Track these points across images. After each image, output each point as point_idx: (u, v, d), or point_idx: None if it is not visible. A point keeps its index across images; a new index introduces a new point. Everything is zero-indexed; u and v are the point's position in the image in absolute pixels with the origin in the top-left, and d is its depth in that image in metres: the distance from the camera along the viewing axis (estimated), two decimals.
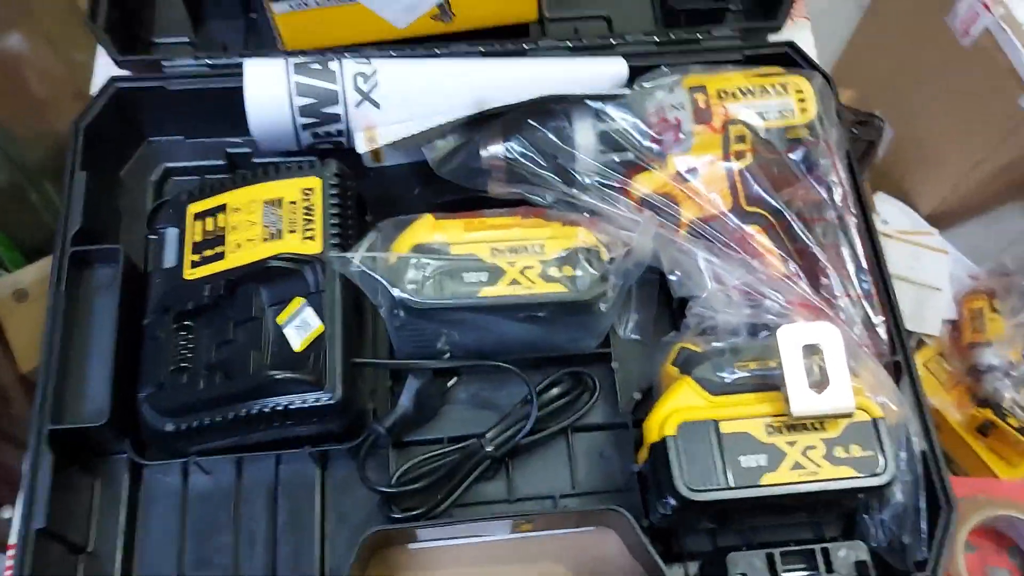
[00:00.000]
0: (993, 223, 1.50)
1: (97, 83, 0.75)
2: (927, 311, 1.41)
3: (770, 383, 0.54)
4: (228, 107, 0.66)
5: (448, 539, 0.61)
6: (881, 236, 1.51)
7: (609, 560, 0.62)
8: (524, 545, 0.62)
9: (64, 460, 0.57)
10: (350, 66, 0.64)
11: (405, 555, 0.62)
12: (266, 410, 0.55)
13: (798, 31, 0.80)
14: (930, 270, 1.46)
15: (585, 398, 0.64)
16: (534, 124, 0.65)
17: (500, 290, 0.58)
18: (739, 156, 0.63)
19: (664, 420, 0.54)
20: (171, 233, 0.63)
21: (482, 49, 0.69)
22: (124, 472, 0.61)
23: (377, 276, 0.57)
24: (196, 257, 0.61)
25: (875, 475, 0.52)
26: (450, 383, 0.64)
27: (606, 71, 0.67)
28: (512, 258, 0.59)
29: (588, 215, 0.62)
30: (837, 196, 0.62)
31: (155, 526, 0.60)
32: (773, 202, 0.61)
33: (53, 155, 1.33)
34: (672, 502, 0.53)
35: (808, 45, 0.80)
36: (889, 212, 1.52)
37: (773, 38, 0.74)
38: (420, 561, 0.61)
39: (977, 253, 1.48)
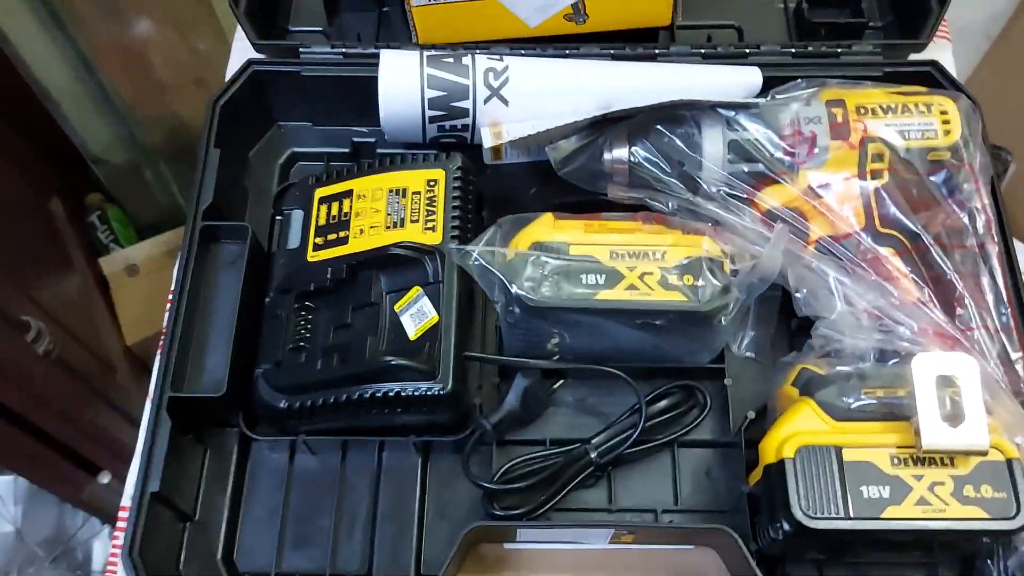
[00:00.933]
0: None
1: (233, 66, 0.77)
2: None
3: (898, 413, 0.52)
4: (358, 96, 0.67)
5: (546, 542, 0.60)
6: None
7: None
8: (621, 556, 0.61)
9: (180, 428, 0.59)
10: (482, 62, 0.64)
11: (500, 553, 0.61)
12: (378, 395, 0.56)
13: (939, 51, 0.76)
14: None
15: (695, 413, 0.62)
16: (662, 129, 0.64)
17: (617, 294, 0.57)
18: (876, 175, 0.61)
19: (783, 442, 0.52)
20: (296, 215, 0.65)
21: (612, 52, 0.69)
22: (234, 445, 0.62)
23: (495, 271, 0.57)
24: (320, 240, 0.62)
25: (1006, 519, 0.49)
26: (557, 384, 0.64)
27: (740, 79, 0.65)
28: (632, 263, 0.58)
29: (713, 224, 0.60)
30: (979, 223, 0.59)
31: (259, 501, 0.62)
32: (910, 225, 0.59)
33: (171, 137, 1.39)
34: (786, 527, 0.51)
35: (949, 65, 0.76)
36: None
37: (915, 56, 0.71)
38: (515, 561, 0.61)
39: None
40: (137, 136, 1.37)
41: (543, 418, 0.64)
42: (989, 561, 0.54)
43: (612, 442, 0.60)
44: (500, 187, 0.70)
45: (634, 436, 0.59)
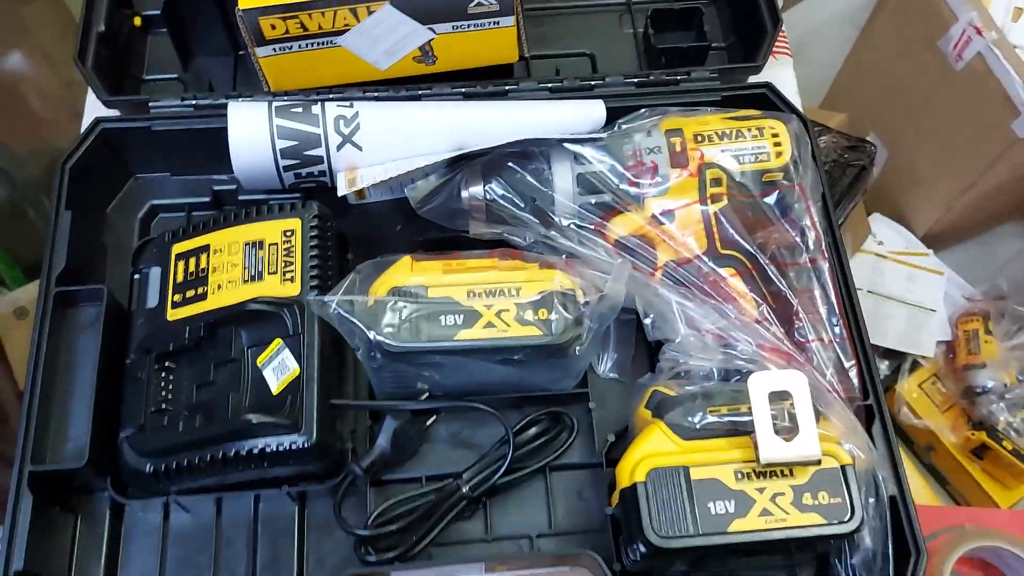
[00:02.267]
0: (988, 244, 1.50)
1: (86, 121, 0.76)
2: (922, 333, 1.42)
3: (741, 429, 0.55)
4: (214, 145, 0.67)
5: None
6: (876, 256, 1.52)
7: None
8: None
9: (45, 500, 0.58)
10: (332, 109, 0.65)
11: None
12: (243, 452, 0.56)
13: (780, 69, 0.81)
14: (925, 291, 1.46)
15: (563, 437, 0.65)
16: (514, 166, 0.66)
17: (476, 333, 0.58)
18: (715, 199, 0.64)
19: (635, 465, 0.54)
20: (154, 272, 0.64)
21: (464, 90, 0.70)
22: (106, 510, 0.61)
23: (354, 319, 0.58)
24: (178, 298, 0.62)
25: (842, 522, 0.53)
26: (429, 422, 0.65)
27: (584, 113, 0.68)
28: (489, 301, 0.59)
29: (566, 257, 0.63)
30: (810, 240, 0.62)
31: (136, 564, 0.61)
32: (747, 245, 0.62)
33: (50, 171, 1.34)
34: (642, 549, 0.53)
35: (789, 82, 0.81)
36: (885, 233, 1.52)
37: (754, 78, 0.75)
38: None
39: (973, 274, 1.48)
40: (14, 172, 1.32)
41: (419, 455, 0.65)
42: (837, 560, 0.58)
43: (483, 474, 0.61)
44: (366, 226, 0.71)
45: (503, 467, 0.61)
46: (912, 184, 1.48)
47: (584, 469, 0.65)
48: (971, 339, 1.37)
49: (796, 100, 0.81)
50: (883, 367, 1.44)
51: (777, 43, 0.77)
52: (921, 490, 1.29)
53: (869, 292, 1.47)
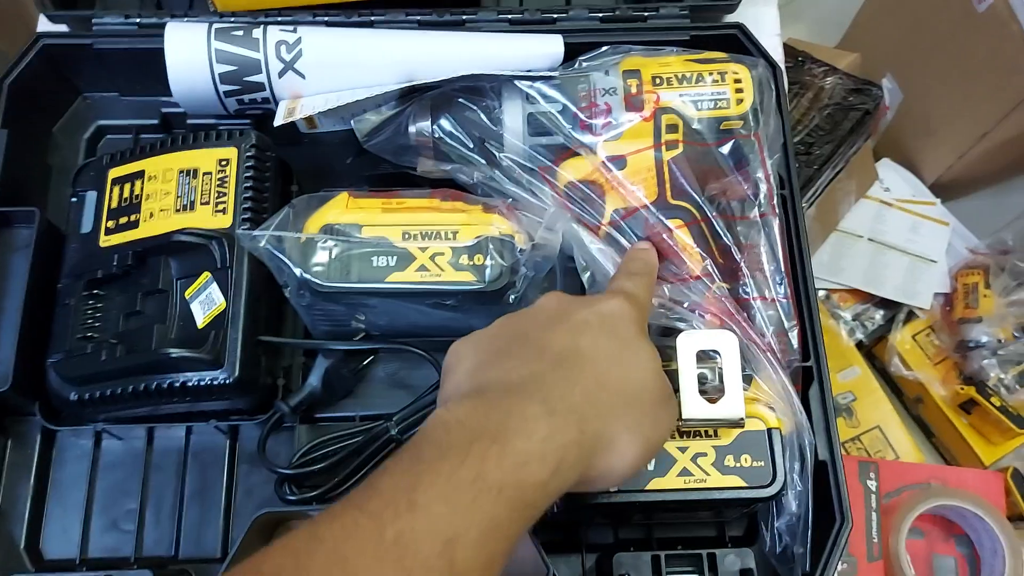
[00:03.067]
0: (998, 197, 1.46)
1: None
2: (920, 284, 1.39)
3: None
4: (161, 67, 0.65)
5: None
6: (880, 204, 1.48)
7: None
8: None
9: None
10: (273, 33, 0.62)
11: None
12: (164, 386, 0.56)
13: (762, 7, 0.77)
14: (928, 242, 1.43)
15: None
16: (464, 102, 0.63)
17: (408, 276, 0.57)
18: (669, 146, 0.61)
19: None
20: (90, 197, 0.63)
21: (419, 19, 0.67)
22: (36, 433, 0.61)
23: (282, 256, 0.56)
24: (112, 224, 0.61)
25: (763, 487, 0.52)
26: (365, 361, 0.64)
27: (542, 49, 0.64)
28: (424, 243, 0.58)
29: (510, 201, 0.61)
30: (762, 194, 0.60)
31: (65, 488, 0.61)
32: (697, 197, 0.60)
33: None
34: (559, 502, 0.52)
35: (770, 23, 0.77)
36: (892, 180, 1.48)
37: (731, 17, 0.71)
38: None
39: (980, 226, 1.45)
40: None
41: (355, 395, 0.64)
42: (763, 522, 0.57)
43: (414, 417, 0.61)
44: (315, 158, 0.69)
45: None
46: (925, 130, 1.44)
47: None
48: (970, 293, 1.35)
49: (776, 42, 0.77)
50: (878, 316, 1.42)
51: None
52: (906, 442, 1.29)
53: (870, 240, 1.44)
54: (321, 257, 0.57)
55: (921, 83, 1.42)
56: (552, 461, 0.41)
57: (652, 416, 0.47)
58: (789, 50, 1.32)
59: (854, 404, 1.34)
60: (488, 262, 0.57)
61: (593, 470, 0.44)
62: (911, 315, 1.39)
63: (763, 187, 0.60)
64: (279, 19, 0.65)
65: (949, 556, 1.04)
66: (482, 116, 0.63)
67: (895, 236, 1.44)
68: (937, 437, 1.36)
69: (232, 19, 0.64)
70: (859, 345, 1.39)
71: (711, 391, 0.52)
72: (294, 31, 0.63)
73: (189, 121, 0.69)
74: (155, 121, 0.70)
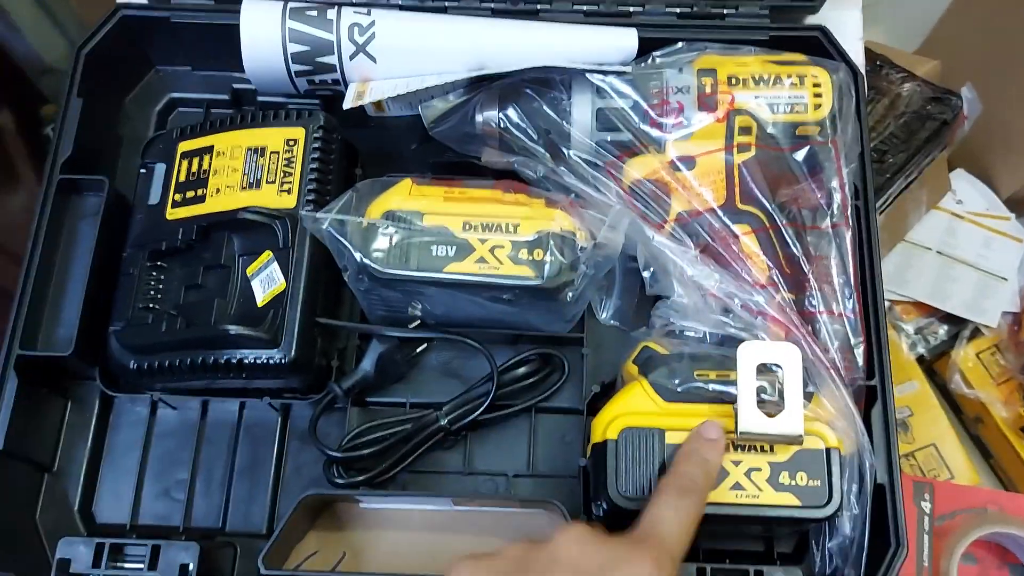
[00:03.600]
0: None
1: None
2: (988, 301, 1.35)
3: (726, 398, 0.52)
4: (235, 43, 0.65)
5: (392, 505, 0.61)
6: (952, 216, 1.44)
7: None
8: (470, 517, 0.62)
9: (31, 384, 0.59)
10: (347, 16, 0.62)
11: (357, 511, 0.62)
12: (221, 361, 0.56)
13: (845, 10, 0.74)
14: (1000, 258, 1.38)
15: (553, 380, 0.63)
16: (532, 94, 0.62)
17: (465, 267, 0.56)
18: (741, 149, 0.60)
19: (610, 421, 0.52)
20: (159, 169, 0.63)
21: (492, 7, 0.66)
22: (95, 398, 0.63)
23: (343, 239, 0.56)
24: (178, 197, 0.62)
25: (818, 507, 0.50)
26: (419, 349, 0.64)
27: (615, 43, 0.63)
28: (484, 235, 0.57)
29: (573, 196, 0.60)
30: (836, 203, 0.58)
31: (119, 454, 0.63)
32: (767, 203, 0.58)
33: None
34: (604, 506, 0.52)
35: (852, 26, 0.74)
36: (966, 192, 1.43)
37: (812, 19, 0.69)
38: (367, 520, 0.62)
39: None
40: (76, 36, 1.32)
41: (407, 381, 0.64)
42: (814, 541, 0.55)
43: (463, 409, 0.60)
44: (381, 141, 0.69)
45: (485, 403, 0.60)
46: (1003, 143, 1.38)
47: (571, 415, 0.63)
48: None
49: (858, 47, 0.74)
50: (942, 332, 1.38)
51: None
52: (963, 462, 1.25)
53: (938, 253, 1.39)
54: (381, 243, 0.57)
55: (1003, 95, 1.37)
56: None
57: None
58: (867, 54, 1.28)
59: (910, 419, 1.30)
60: (547, 258, 0.56)
61: None
62: (976, 332, 1.34)
63: (837, 196, 0.58)
64: (353, 1, 0.64)
65: None
66: (550, 108, 0.62)
67: (965, 250, 1.39)
68: (995, 459, 1.32)
69: (303, 0, 0.64)
70: (920, 360, 1.35)
71: (769, 405, 0.50)
72: (368, 14, 0.63)
73: (259, 98, 0.69)
74: (226, 96, 0.71)
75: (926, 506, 0.99)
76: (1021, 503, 1.06)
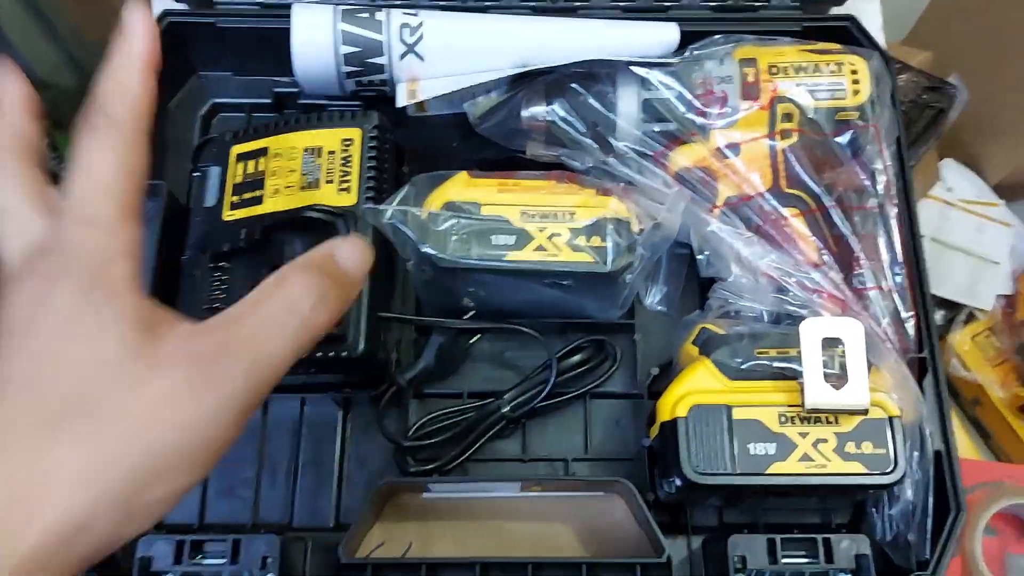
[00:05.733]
0: None
1: (156, 12, 0.75)
2: (982, 285, 1.38)
3: (789, 373, 0.54)
4: (277, 47, 0.66)
5: (457, 494, 0.63)
6: (943, 204, 1.47)
7: (616, 525, 0.63)
8: (535, 504, 0.64)
9: None
10: (397, 17, 0.64)
11: (419, 502, 0.64)
12: None
13: (864, 2, 0.77)
14: (991, 243, 1.41)
15: (606, 366, 0.65)
16: (577, 88, 0.64)
17: (526, 255, 0.58)
18: (785, 135, 0.62)
19: (678, 400, 0.54)
20: (214, 172, 0.64)
21: (532, 5, 0.68)
22: None
23: (407, 231, 0.57)
24: (236, 199, 0.62)
25: (884, 473, 0.52)
26: (473, 340, 0.65)
27: (658, 36, 0.65)
28: (541, 223, 0.59)
29: (623, 185, 0.61)
30: (880, 184, 0.60)
31: None
32: (813, 186, 0.60)
33: None
34: (678, 482, 0.53)
35: (874, 16, 0.77)
36: (955, 180, 1.47)
37: (836, 10, 0.71)
38: (434, 510, 0.63)
39: None
40: (84, 60, 1.33)
41: (462, 372, 0.66)
42: (875, 510, 0.57)
43: (524, 396, 0.62)
44: (423, 140, 0.70)
45: (545, 391, 0.61)
46: (991, 131, 1.42)
47: (623, 399, 0.65)
48: None
49: (879, 36, 0.77)
50: (938, 317, 1.41)
51: None
52: (963, 443, 1.28)
53: (933, 240, 1.43)
54: (443, 233, 0.58)
55: (988, 83, 1.40)
56: None
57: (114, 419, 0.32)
58: None
59: None
60: (607, 243, 0.58)
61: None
62: (971, 316, 1.37)
63: (881, 177, 0.60)
64: (400, 2, 0.66)
65: (1023, 555, 1.04)
66: (596, 101, 0.64)
67: (959, 237, 1.43)
68: (994, 439, 1.35)
69: (355, 2, 0.65)
70: None
71: (832, 378, 0.52)
72: (416, 15, 0.64)
73: (300, 101, 0.70)
74: (268, 100, 0.72)
75: None
76: None
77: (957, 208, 1.46)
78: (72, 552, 0.30)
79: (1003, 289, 1.38)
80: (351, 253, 0.40)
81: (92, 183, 0.35)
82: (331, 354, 0.57)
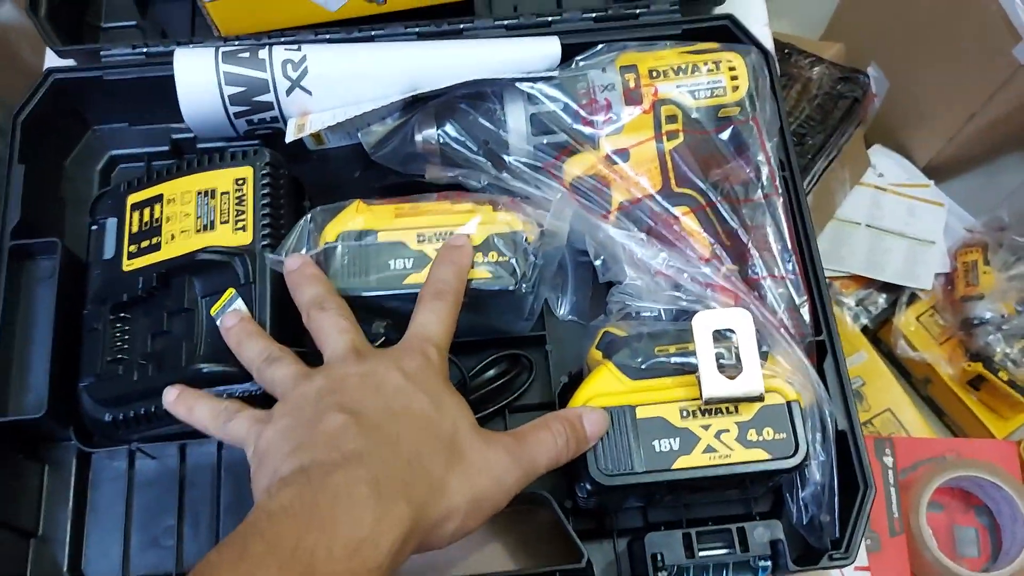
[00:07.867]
0: (990, 175, 1.48)
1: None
2: (920, 266, 1.41)
3: (688, 368, 0.55)
4: (169, 94, 0.66)
5: None
6: (875, 190, 1.51)
7: (544, 536, 0.63)
8: None
9: (9, 450, 0.59)
10: (279, 53, 0.64)
11: None
12: None
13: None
14: (925, 223, 1.45)
15: (522, 379, 0.65)
16: (467, 108, 0.65)
17: (423, 277, 0.58)
18: (671, 136, 0.63)
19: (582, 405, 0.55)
20: (111, 224, 0.64)
21: (418, 31, 0.69)
22: (72, 457, 0.63)
23: None
24: (133, 248, 0.62)
25: (787, 457, 0.53)
26: None
27: (539, 51, 0.66)
28: (438, 244, 0.59)
29: (514, 198, 0.62)
30: (764, 176, 0.61)
31: (103, 510, 0.63)
32: (701, 183, 0.61)
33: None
34: (588, 487, 0.54)
35: (758, 12, 0.79)
36: (885, 165, 1.50)
37: (718, 10, 0.73)
38: None
39: (975, 205, 1.47)
40: (8, 126, 1.32)
41: None
42: (788, 494, 0.58)
43: None
44: (326, 173, 0.70)
45: None
46: (914, 115, 1.46)
47: (542, 410, 0.65)
48: (970, 270, 1.37)
49: (766, 32, 0.79)
50: (881, 300, 1.44)
51: None
52: (918, 422, 1.30)
53: (868, 226, 1.45)
54: (338, 264, 0.58)
55: (906, 69, 1.44)
56: (385, 543, 0.42)
57: (477, 466, 0.49)
58: (775, 43, 1.34)
59: (863, 388, 1.35)
60: (500, 257, 0.58)
61: (431, 535, 0.46)
62: (913, 297, 1.41)
63: (764, 169, 0.61)
64: (283, 39, 0.67)
65: (970, 527, 1.05)
66: (485, 120, 0.64)
67: (892, 220, 1.46)
68: (948, 416, 1.37)
69: (237, 42, 0.66)
70: (864, 330, 1.40)
71: (728, 369, 0.53)
72: (298, 49, 0.65)
73: (199, 145, 0.71)
74: (166, 147, 0.72)
75: (888, 461, 1.03)
76: (977, 448, 1.12)
77: (889, 192, 1.50)
78: (429, 535, 0.46)
79: (941, 267, 1.41)
80: (593, 419, 0.53)
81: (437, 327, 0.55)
82: (236, 394, 0.57)
